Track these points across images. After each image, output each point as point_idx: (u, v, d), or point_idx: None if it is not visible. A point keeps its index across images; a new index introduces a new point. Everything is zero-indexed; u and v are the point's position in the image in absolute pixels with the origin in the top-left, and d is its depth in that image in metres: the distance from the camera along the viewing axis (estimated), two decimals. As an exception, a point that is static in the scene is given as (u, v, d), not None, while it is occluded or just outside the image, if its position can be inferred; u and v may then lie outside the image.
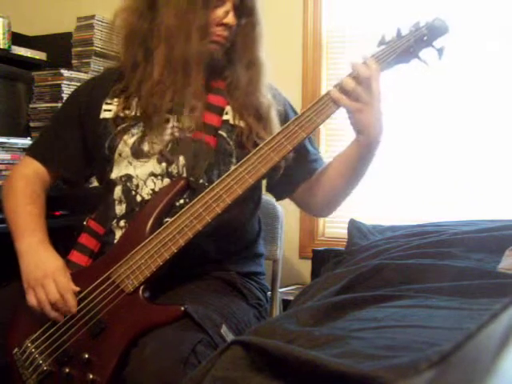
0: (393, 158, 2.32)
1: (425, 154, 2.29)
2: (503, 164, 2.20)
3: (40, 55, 2.49)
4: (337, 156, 1.26)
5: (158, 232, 1.10)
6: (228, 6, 1.21)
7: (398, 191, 2.35)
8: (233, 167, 1.11)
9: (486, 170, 2.22)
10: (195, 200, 1.10)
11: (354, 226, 1.55)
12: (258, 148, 1.11)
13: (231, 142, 1.23)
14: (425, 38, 1.17)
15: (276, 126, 1.25)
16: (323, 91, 2.43)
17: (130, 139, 1.23)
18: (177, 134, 1.21)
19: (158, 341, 0.99)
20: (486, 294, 0.83)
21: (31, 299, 1.12)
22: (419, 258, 1.09)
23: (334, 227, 2.45)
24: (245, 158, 1.11)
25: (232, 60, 1.26)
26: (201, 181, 1.19)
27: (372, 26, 2.34)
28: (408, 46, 1.17)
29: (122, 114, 1.25)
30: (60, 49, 2.50)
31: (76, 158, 1.32)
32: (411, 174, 2.32)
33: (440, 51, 1.17)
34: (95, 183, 2.18)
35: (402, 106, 2.29)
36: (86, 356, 1.07)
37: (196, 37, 1.18)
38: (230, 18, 1.21)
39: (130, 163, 1.23)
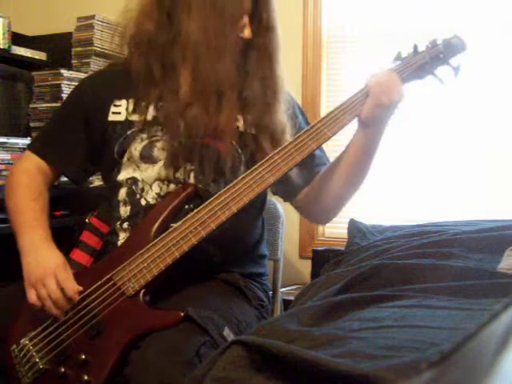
0: (393, 158, 2.32)
1: (425, 154, 2.29)
2: (503, 164, 2.20)
3: (40, 55, 2.49)
4: (337, 158, 1.24)
5: (162, 237, 1.10)
6: (245, 19, 1.18)
7: (398, 191, 2.35)
8: (241, 176, 1.10)
9: (486, 170, 2.22)
10: (201, 206, 1.09)
11: (354, 226, 1.55)
12: (267, 157, 1.11)
13: (240, 150, 1.21)
14: (441, 55, 1.17)
15: (285, 121, 1.23)
16: (323, 91, 2.43)
17: (139, 144, 1.21)
18: (185, 140, 1.19)
19: (160, 343, 0.99)
20: (486, 293, 0.83)
21: (32, 297, 1.11)
22: (419, 258, 1.09)
23: (334, 227, 2.45)
24: (253, 168, 1.10)
25: (247, 73, 1.22)
26: (213, 190, 1.18)
27: (372, 26, 2.34)
28: (423, 63, 1.17)
29: (131, 118, 1.23)
30: (60, 49, 2.50)
31: (79, 157, 1.30)
32: (411, 174, 2.32)
33: (456, 69, 1.17)
34: (95, 183, 2.18)
35: (402, 107, 2.29)
36: (83, 357, 1.06)
37: (229, 55, 1.15)
38: (247, 32, 1.18)
39: (138, 167, 1.22)
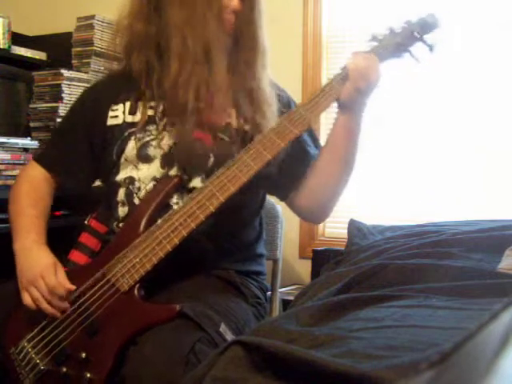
0: (393, 158, 2.32)
1: (425, 154, 2.29)
2: (503, 164, 2.19)
3: (40, 55, 2.49)
4: (321, 149, 1.25)
5: (151, 230, 1.10)
6: None
7: (398, 191, 2.34)
8: (226, 166, 1.11)
9: (486, 170, 2.22)
10: (188, 198, 1.10)
11: (354, 226, 1.55)
12: (249, 146, 1.11)
13: (234, 147, 1.21)
14: (415, 33, 1.19)
15: (271, 111, 1.23)
16: (323, 91, 2.43)
17: (136, 144, 1.22)
18: (179, 135, 1.19)
19: (156, 340, 0.99)
20: (486, 293, 0.83)
21: (26, 299, 1.12)
22: (419, 258, 1.09)
23: (334, 227, 2.45)
24: (237, 157, 1.11)
25: (233, 45, 1.23)
26: (200, 184, 1.18)
27: (372, 26, 2.33)
28: (399, 43, 1.19)
29: (128, 120, 1.24)
30: (60, 49, 2.50)
31: (84, 167, 1.32)
32: (411, 173, 2.32)
33: (431, 46, 1.19)
34: (95, 183, 2.17)
35: (402, 106, 2.29)
36: (83, 355, 1.07)
37: (213, 23, 1.16)
38: (236, 3, 1.19)
39: (136, 166, 1.23)
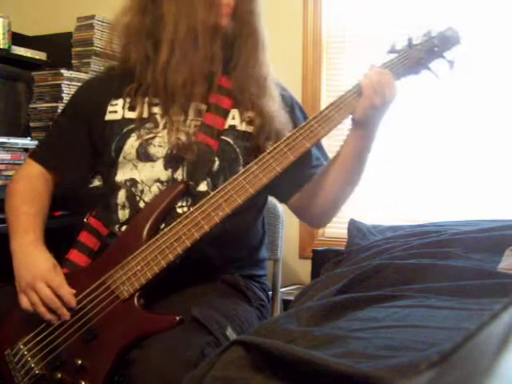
0: (393, 158, 2.32)
1: (425, 154, 2.29)
2: (503, 164, 2.20)
3: (40, 55, 2.49)
4: (331, 159, 1.23)
5: (155, 238, 1.08)
6: None
7: (398, 191, 2.35)
8: (234, 176, 1.09)
9: (486, 170, 2.22)
10: (194, 207, 1.08)
11: (354, 226, 1.55)
12: (260, 157, 1.09)
13: (238, 149, 1.20)
14: (436, 48, 1.16)
15: (275, 99, 1.22)
16: (323, 91, 2.43)
17: (135, 142, 1.20)
18: (183, 138, 1.18)
19: (163, 343, 0.98)
20: (486, 293, 0.83)
21: (24, 302, 1.10)
22: (419, 258, 1.09)
23: (334, 227, 2.45)
24: (246, 167, 1.09)
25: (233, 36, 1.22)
26: (205, 188, 1.17)
27: (372, 27, 2.34)
28: (419, 58, 1.15)
29: (127, 116, 1.23)
30: (60, 49, 2.50)
31: (81, 163, 1.30)
32: (411, 174, 2.32)
33: (451, 63, 1.16)
34: (95, 183, 2.17)
35: (402, 106, 2.29)
36: (79, 362, 1.05)
37: (202, 8, 1.15)
38: None
39: (135, 166, 1.20)
